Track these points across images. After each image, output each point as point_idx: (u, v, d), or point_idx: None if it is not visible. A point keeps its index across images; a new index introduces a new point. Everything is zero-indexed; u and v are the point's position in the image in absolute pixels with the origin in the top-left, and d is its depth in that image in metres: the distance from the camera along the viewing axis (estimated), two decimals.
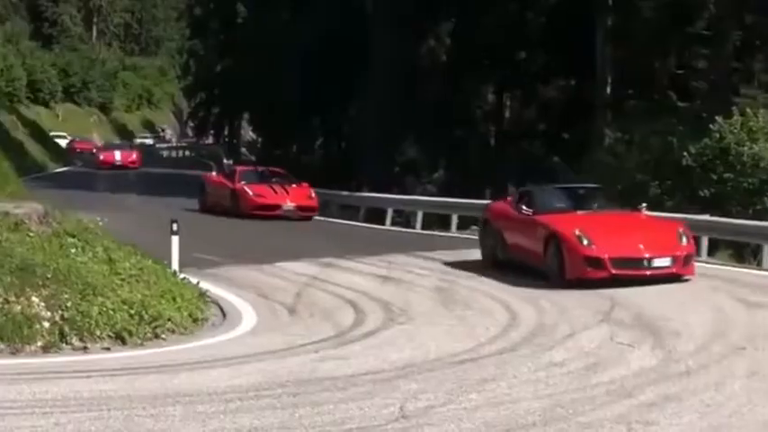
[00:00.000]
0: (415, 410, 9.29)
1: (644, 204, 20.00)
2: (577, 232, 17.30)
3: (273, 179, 34.43)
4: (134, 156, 67.92)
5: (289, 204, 32.61)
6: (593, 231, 17.46)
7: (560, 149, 41.48)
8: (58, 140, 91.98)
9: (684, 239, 17.67)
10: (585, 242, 17.18)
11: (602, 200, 20.14)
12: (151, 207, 37.04)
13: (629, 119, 37.03)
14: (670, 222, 19.10)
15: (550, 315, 14.80)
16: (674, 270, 17.23)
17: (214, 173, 41.23)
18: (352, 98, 57.29)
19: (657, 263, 17.16)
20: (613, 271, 16.96)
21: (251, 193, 32.90)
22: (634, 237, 17.66)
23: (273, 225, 30.30)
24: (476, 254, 22.65)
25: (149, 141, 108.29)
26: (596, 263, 17.03)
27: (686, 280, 17.39)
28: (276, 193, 33.05)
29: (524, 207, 18.94)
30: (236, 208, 32.71)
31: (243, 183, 33.64)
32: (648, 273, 17.09)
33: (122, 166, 64.40)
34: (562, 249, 17.38)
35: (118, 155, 67.74)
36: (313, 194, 33.79)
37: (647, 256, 17.24)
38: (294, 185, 33.91)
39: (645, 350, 12.25)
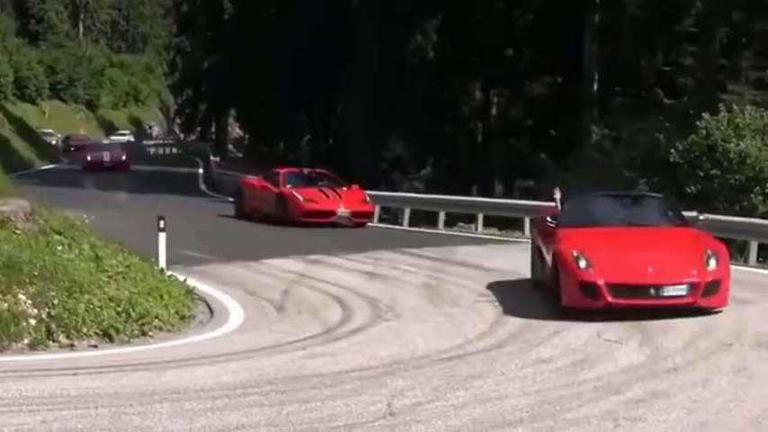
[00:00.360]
0: (402, 407, 9.29)
1: (701, 217, 17.28)
2: (575, 252, 14.55)
3: (321, 182, 30.95)
4: (124, 156, 64.22)
5: (343, 210, 29.10)
6: (598, 251, 14.70)
7: (547, 146, 41.51)
8: (47, 138, 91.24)
9: (713, 263, 14.49)
10: (583, 264, 14.39)
11: (647, 211, 16.94)
12: (140, 205, 36.99)
13: (615, 116, 37.11)
14: (703, 239, 15.48)
15: (538, 312, 14.81)
16: (690, 300, 14.14)
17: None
18: (339, 94, 57.36)
19: (669, 291, 14.16)
20: (610, 299, 14.09)
21: (300, 198, 29.18)
22: (645, 258, 14.59)
23: (259, 222, 30.18)
24: (463, 250, 22.71)
25: (128, 138, 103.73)
26: (591, 289, 14.19)
27: (715, 312, 14.37)
28: (328, 197, 29.46)
29: (549, 218, 16.56)
30: (282, 214, 29.32)
31: (289, 186, 29.92)
32: (655, 303, 14.15)
33: (111, 168, 60.92)
34: (559, 271, 14.73)
35: (107, 155, 63.95)
36: (367, 198, 30.50)
37: (654, 282, 14.21)
38: (345, 188, 30.36)
39: (632, 347, 12.27)
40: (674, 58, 40.54)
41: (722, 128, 28.80)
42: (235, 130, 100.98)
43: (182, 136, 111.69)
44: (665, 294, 14.16)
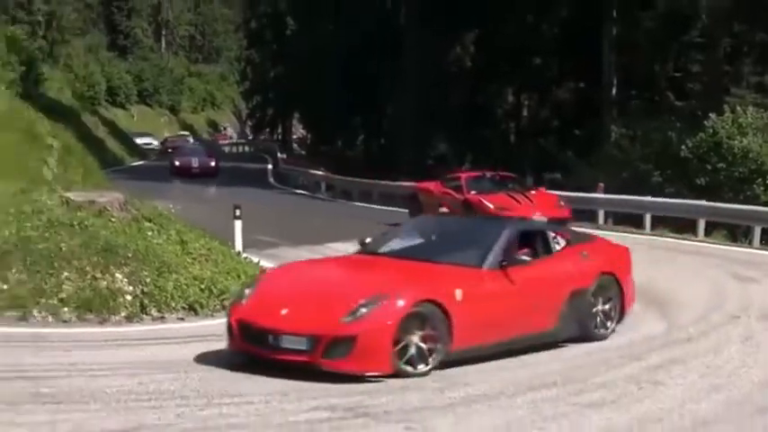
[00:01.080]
0: (450, 370, 9.30)
1: (584, 253, 11.47)
2: (249, 281, 11.04)
3: (507, 185, 25.00)
4: (213, 162, 53.53)
5: (539, 217, 21.94)
6: (274, 283, 10.22)
7: (572, 144, 41.26)
8: (147, 139, 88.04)
9: (361, 312, 9.14)
10: (245, 294, 10.02)
11: (474, 244, 10.65)
12: (218, 196, 37.20)
13: (632, 117, 36.94)
14: (423, 284, 9.68)
15: None
16: (307, 359, 9.06)
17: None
18: (389, 100, 57.38)
19: (287, 342, 9.21)
20: (239, 342, 9.66)
21: (491, 205, 22.99)
22: (300, 297, 9.65)
23: (319, 209, 30.13)
24: None
25: (154, 142, 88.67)
26: (229, 327, 9.82)
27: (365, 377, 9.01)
28: (520, 203, 23.12)
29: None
30: None
31: (474, 192, 24.02)
32: (272, 355, 9.29)
33: (199, 174, 51.08)
34: None
35: (195, 161, 53.56)
36: (562, 202, 24.09)
37: (274, 328, 9.34)
38: (533, 191, 24.62)
39: (651, 319, 12.20)
40: (684, 66, 40.19)
41: (727, 127, 28.60)
42: (298, 131, 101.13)
43: (251, 136, 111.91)
44: (283, 346, 9.24)
